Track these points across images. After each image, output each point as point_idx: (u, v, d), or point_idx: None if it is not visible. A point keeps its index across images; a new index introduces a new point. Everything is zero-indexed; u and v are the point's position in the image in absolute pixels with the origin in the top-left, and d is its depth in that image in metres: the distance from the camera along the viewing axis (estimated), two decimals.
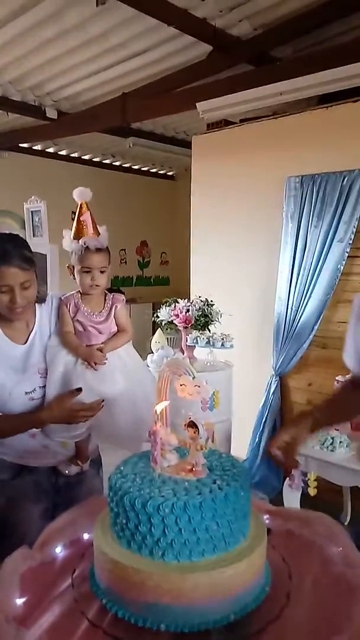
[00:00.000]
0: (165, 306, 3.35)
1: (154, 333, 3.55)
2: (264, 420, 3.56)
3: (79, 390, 1.57)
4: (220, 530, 0.91)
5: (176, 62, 3.75)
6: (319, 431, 1.41)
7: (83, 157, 6.56)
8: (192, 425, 1.01)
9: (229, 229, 3.88)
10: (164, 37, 3.37)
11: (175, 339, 4.10)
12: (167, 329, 3.41)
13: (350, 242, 3.13)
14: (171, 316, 3.29)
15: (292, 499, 2.70)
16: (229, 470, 1.01)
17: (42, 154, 6.17)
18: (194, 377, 1.03)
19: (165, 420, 1.07)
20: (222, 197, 3.90)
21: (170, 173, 7.72)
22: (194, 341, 3.27)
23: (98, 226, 1.63)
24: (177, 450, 1.04)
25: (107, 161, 6.83)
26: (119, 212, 6.64)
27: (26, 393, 1.60)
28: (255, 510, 1.06)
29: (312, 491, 2.63)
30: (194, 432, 1.01)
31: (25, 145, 5.81)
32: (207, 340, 3.22)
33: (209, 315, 3.24)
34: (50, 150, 6.16)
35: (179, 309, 3.26)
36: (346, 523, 3.10)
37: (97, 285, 1.62)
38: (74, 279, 1.65)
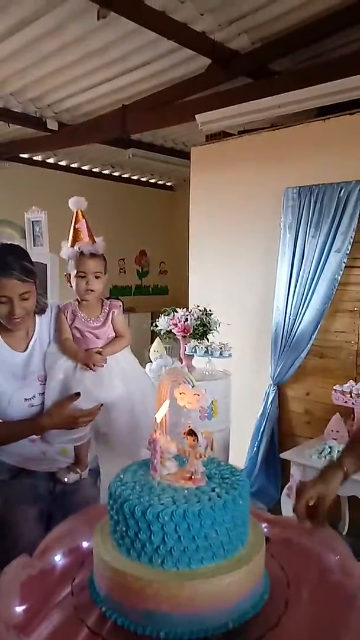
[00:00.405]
0: (164, 315, 3.37)
1: (152, 342, 3.57)
2: (262, 429, 3.56)
3: (78, 395, 1.59)
4: (219, 538, 0.92)
5: (175, 75, 3.80)
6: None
7: (83, 168, 6.61)
8: (191, 433, 1.02)
9: (227, 239, 3.90)
10: (164, 50, 3.42)
11: (174, 348, 4.11)
12: (165, 338, 3.43)
13: (348, 252, 3.16)
14: (170, 325, 3.30)
15: (290, 508, 2.70)
16: (227, 478, 1.02)
17: (43, 164, 6.21)
18: (193, 386, 1.05)
19: (164, 429, 1.08)
20: (221, 208, 3.94)
21: (169, 184, 7.77)
22: (193, 350, 3.29)
23: (95, 236, 1.67)
24: (176, 459, 1.05)
25: (106, 172, 6.88)
26: (118, 222, 6.68)
27: (26, 400, 1.63)
28: (254, 519, 1.06)
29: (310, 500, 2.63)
30: (193, 441, 1.02)
31: (25, 155, 5.86)
32: (205, 349, 3.24)
33: (208, 325, 3.26)
34: (51, 160, 6.20)
35: (178, 318, 3.28)
36: (344, 532, 3.09)
37: (91, 290, 1.64)
38: (71, 286, 1.67)
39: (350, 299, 3.26)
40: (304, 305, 3.34)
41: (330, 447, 2.81)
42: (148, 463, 1.04)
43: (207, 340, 3.28)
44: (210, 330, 3.26)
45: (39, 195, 5.23)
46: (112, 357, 1.66)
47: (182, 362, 3.35)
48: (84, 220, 1.66)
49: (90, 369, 1.61)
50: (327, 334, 3.33)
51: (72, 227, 1.65)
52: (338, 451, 2.63)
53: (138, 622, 0.89)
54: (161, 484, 0.99)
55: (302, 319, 3.35)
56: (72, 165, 6.48)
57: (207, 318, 3.27)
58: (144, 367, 3.26)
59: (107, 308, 1.70)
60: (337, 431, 2.87)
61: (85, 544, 1.16)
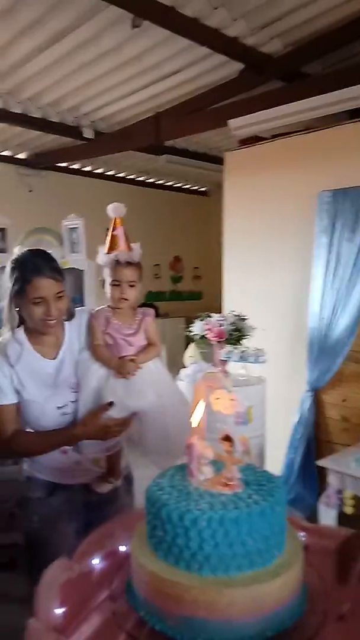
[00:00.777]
0: (198, 320, 3.37)
1: (186, 348, 3.57)
2: (298, 436, 3.51)
3: (111, 404, 1.57)
4: (257, 546, 0.91)
5: (208, 80, 3.82)
6: None
7: (118, 175, 6.70)
8: (227, 439, 1.02)
9: (261, 244, 3.88)
10: (197, 56, 3.45)
11: (208, 353, 4.11)
12: (200, 344, 3.42)
13: None
14: (204, 330, 3.30)
15: (328, 517, 2.65)
16: (264, 485, 1.01)
17: (79, 172, 6.33)
18: (229, 391, 1.04)
19: (201, 433, 1.08)
20: (254, 212, 3.92)
21: (203, 189, 7.79)
22: (227, 356, 3.27)
23: (132, 243, 1.66)
24: (212, 464, 1.05)
25: (141, 178, 6.95)
26: (153, 228, 6.73)
27: (58, 408, 1.61)
28: (292, 527, 1.05)
29: (348, 509, 2.58)
30: (229, 446, 1.02)
31: (63, 164, 5.99)
32: (240, 354, 3.22)
33: (242, 330, 3.24)
34: (87, 168, 6.32)
35: (212, 323, 3.27)
36: None
37: (125, 299, 1.63)
38: (106, 292, 1.67)
39: None
40: (340, 309, 3.29)
41: None
42: (185, 468, 1.04)
43: (242, 345, 3.26)
44: (245, 335, 3.24)
45: (76, 203, 5.32)
46: (144, 365, 1.64)
47: (216, 368, 3.34)
48: (121, 227, 1.64)
49: (124, 376, 1.60)
50: None
51: (109, 234, 1.65)
52: None
53: (176, 628, 0.89)
54: (198, 489, 0.99)
55: (338, 324, 3.30)
56: (108, 173, 6.58)
57: (242, 323, 3.25)
58: (179, 373, 3.27)
59: (140, 316, 1.69)
60: None
61: (123, 548, 1.17)
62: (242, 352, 3.22)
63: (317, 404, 3.54)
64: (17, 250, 1.68)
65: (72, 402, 1.63)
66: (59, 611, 1.01)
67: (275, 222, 3.78)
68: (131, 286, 1.63)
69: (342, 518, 2.59)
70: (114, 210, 1.65)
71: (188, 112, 4.11)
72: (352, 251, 3.20)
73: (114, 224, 1.65)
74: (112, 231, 1.64)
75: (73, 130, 4.64)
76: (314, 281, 3.42)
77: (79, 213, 3.75)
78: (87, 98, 4.13)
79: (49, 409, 1.60)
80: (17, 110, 4.15)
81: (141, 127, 4.47)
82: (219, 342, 3.26)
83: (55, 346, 1.65)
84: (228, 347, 3.26)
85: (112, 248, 1.64)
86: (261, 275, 3.87)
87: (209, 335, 3.27)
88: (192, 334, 3.39)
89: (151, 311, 1.72)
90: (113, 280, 1.63)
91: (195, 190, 7.78)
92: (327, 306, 3.35)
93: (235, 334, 3.22)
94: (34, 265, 1.52)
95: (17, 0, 2.78)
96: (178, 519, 0.90)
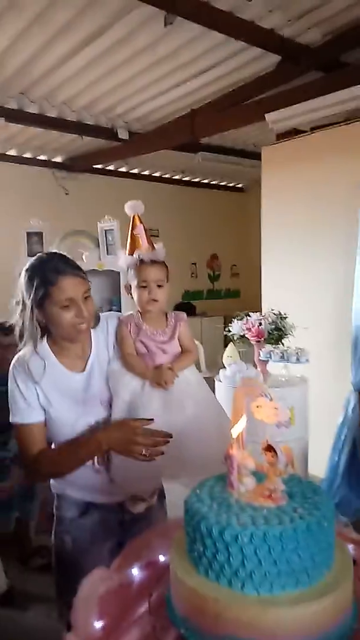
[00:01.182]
0: (237, 320, 3.31)
1: (225, 347, 3.50)
2: (343, 438, 3.40)
3: (151, 420, 1.41)
4: (303, 563, 0.86)
5: (245, 74, 3.75)
6: None
7: (154, 175, 6.69)
8: (270, 449, 0.97)
9: (300, 239, 3.78)
10: (232, 50, 3.39)
11: (248, 353, 4.04)
12: (239, 343, 3.36)
13: None
14: (243, 330, 3.23)
15: None
16: (310, 497, 0.95)
17: (115, 173, 6.37)
18: (271, 399, 0.99)
19: (241, 443, 1.04)
20: (293, 206, 3.82)
21: (239, 185, 7.71)
22: (268, 356, 3.20)
23: (155, 243, 1.57)
24: (254, 475, 1.00)
25: (177, 177, 6.93)
26: (189, 226, 6.70)
27: (89, 426, 1.48)
28: (340, 540, 0.99)
29: None
30: (272, 457, 0.96)
31: (98, 166, 6.03)
32: (281, 354, 3.14)
33: (283, 329, 3.15)
34: (123, 169, 6.34)
35: (251, 322, 3.20)
36: None
37: (154, 300, 1.52)
38: (132, 297, 1.58)
39: None
40: None
41: None
42: (224, 478, 1.00)
43: (283, 344, 3.17)
44: (286, 334, 3.15)
45: (112, 204, 5.34)
46: (181, 375, 1.52)
47: (256, 368, 3.27)
48: (141, 225, 1.56)
49: (163, 387, 1.47)
50: None
51: (129, 234, 1.56)
52: None
53: None
54: (239, 501, 0.95)
55: None
56: (144, 173, 6.58)
57: (282, 322, 3.17)
58: (218, 373, 3.22)
59: (173, 320, 1.57)
60: None
61: (162, 558, 1.14)
62: (283, 351, 3.14)
63: None
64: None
65: (105, 419, 1.50)
66: (98, 624, 0.98)
67: (315, 217, 3.67)
68: (159, 286, 1.53)
69: None
70: (132, 207, 1.57)
71: (224, 108, 4.05)
72: None
73: (133, 222, 1.57)
74: (132, 230, 1.56)
75: (108, 132, 4.65)
76: (357, 276, 3.30)
77: (114, 214, 3.76)
78: (121, 98, 4.13)
79: (79, 427, 1.48)
80: (53, 115, 4.19)
81: (176, 125, 4.44)
82: (258, 341, 3.19)
83: (82, 357, 1.51)
84: (268, 347, 3.19)
85: (133, 248, 1.55)
86: (302, 271, 3.78)
87: (248, 335, 3.21)
88: (230, 333, 3.33)
89: (184, 315, 1.62)
90: (139, 282, 1.53)
91: (232, 187, 7.70)
92: None
93: (276, 333, 3.14)
94: (54, 266, 1.39)
95: (48, 5, 2.79)
96: (218, 534, 0.86)
